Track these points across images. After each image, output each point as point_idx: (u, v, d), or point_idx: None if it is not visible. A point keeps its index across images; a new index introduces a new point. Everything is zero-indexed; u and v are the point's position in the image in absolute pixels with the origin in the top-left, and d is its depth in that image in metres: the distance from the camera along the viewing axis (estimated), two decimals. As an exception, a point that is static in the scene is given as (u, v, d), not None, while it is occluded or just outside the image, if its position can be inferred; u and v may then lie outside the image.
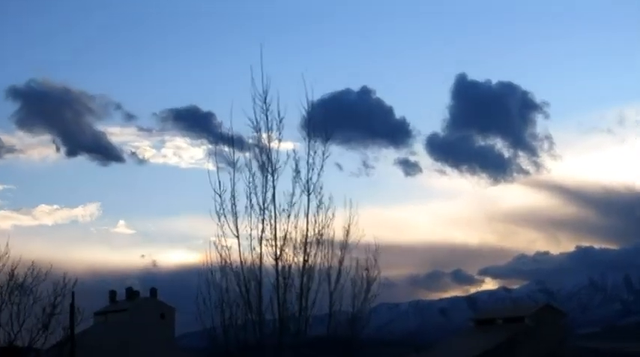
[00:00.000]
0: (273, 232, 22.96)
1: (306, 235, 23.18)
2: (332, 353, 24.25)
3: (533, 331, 64.86)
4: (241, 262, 22.80)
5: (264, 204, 22.96)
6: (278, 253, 22.91)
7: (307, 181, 23.33)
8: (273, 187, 23.12)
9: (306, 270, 23.05)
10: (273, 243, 22.91)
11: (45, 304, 33.52)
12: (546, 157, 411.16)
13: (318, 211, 23.33)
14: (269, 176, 23.06)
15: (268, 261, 22.81)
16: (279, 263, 22.86)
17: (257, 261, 22.86)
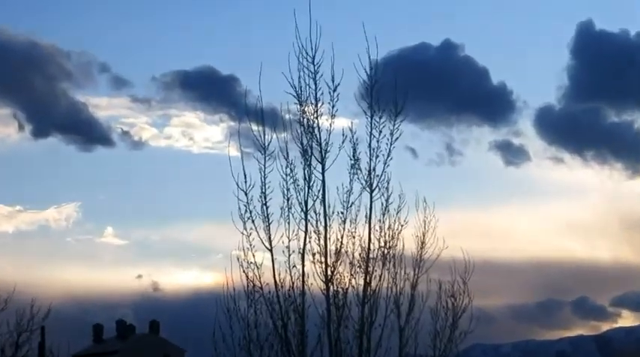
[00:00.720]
0: (322, 244, 21.57)
1: (368, 248, 21.80)
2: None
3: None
4: (276, 285, 21.62)
5: (307, 204, 21.66)
6: (329, 273, 21.56)
7: (369, 173, 21.95)
8: (322, 181, 21.84)
9: (368, 297, 21.65)
10: (322, 259, 21.46)
11: (4, 343, 31.95)
12: None
13: (384, 215, 21.96)
14: (316, 166, 21.80)
15: (315, 284, 21.68)
16: (331, 287, 21.67)
17: (298, 284, 21.61)
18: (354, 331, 21.65)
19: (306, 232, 21.67)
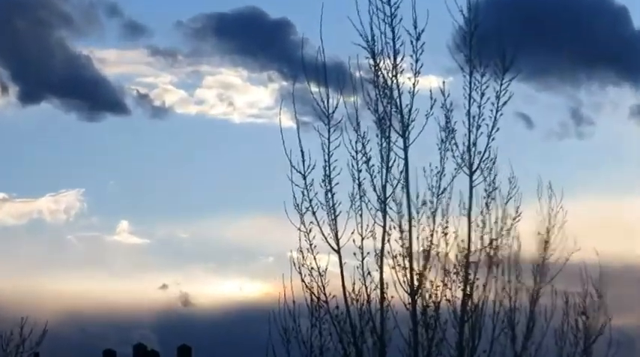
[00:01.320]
0: (406, 245, 16.66)
1: (468, 248, 16.61)
2: None
3: None
4: (346, 298, 16.52)
5: (386, 191, 16.68)
6: (415, 282, 16.45)
7: (468, 149, 16.81)
8: (405, 161, 16.81)
9: (469, 314, 16.60)
10: (406, 264, 16.46)
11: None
12: None
13: (488, 205, 16.77)
14: (396, 140, 16.81)
15: (397, 296, 16.60)
16: (418, 301, 16.60)
17: (376, 297, 16.59)
18: (452, 358, 16.45)
19: (384, 227, 16.65)
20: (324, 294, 16.40)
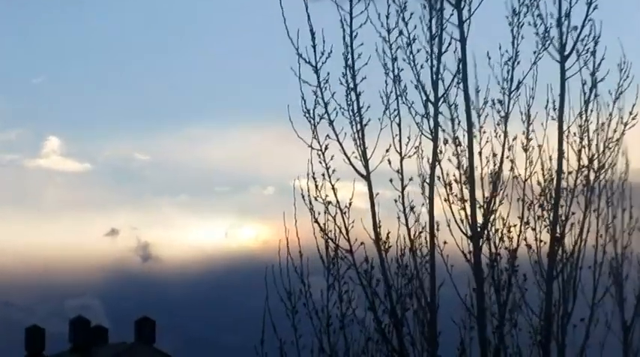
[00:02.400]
0: (465, 165, 11.51)
1: (559, 169, 11.26)
2: None
3: None
4: (379, 247, 11.31)
5: (437, 88, 11.43)
6: (479, 220, 11.40)
7: (558, 22, 11.59)
8: (461, 42, 11.45)
9: (559, 266, 11.42)
10: (466, 194, 11.47)
11: None
12: None
13: (587, 106, 11.58)
14: (450, 16, 11.53)
15: (453, 241, 11.39)
16: (484, 249, 11.37)
17: (423, 243, 11.39)
18: (533, 329, 11.23)
19: (435, 141, 11.31)
20: (347, 240, 11.22)
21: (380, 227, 11.18)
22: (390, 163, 11.30)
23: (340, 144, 11.33)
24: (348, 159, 11.32)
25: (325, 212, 11.27)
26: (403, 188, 11.34)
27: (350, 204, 11.31)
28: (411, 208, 11.36)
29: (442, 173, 11.39)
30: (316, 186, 11.24)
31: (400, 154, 11.30)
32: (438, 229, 11.32)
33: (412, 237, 11.32)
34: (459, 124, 11.26)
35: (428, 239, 11.31)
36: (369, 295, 11.27)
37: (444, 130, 11.27)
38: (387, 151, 11.33)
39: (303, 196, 11.21)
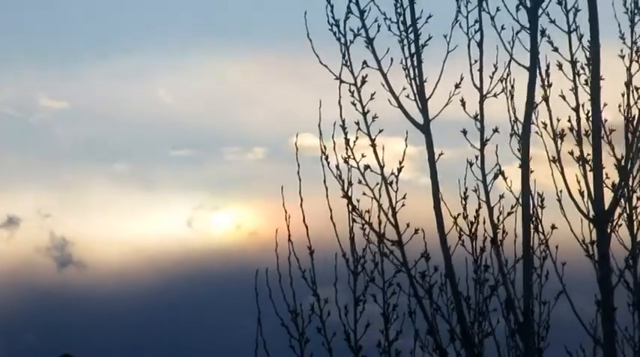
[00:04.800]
0: (588, 111, 6.98)
1: None
2: None
3: None
4: (443, 230, 7.23)
5: None
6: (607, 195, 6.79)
7: None
8: None
9: None
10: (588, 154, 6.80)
11: None
12: None
13: None
14: None
15: (563, 221, 7.53)
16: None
17: (511, 231, 7.32)
18: None
19: (533, 66, 7.12)
20: (395, 226, 7.10)
21: (443, 209, 7.10)
22: (463, 104, 7.18)
23: (384, 75, 7.21)
24: (396, 98, 7.20)
25: (362, 183, 7.18)
26: (483, 144, 7.22)
27: (399, 170, 7.20)
28: (499, 175, 7.24)
29: (551, 119, 7.28)
30: (347, 141, 7.14)
31: (480, 90, 7.17)
32: (542, 205, 7.21)
33: (496, 221, 7.22)
34: (580, 39, 7.11)
35: (521, 224, 7.24)
36: (428, 312, 7.18)
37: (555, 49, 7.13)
38: (458, 85, 7.21)
39: (325, 158, 7.10)
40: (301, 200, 6.86)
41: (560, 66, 7.40)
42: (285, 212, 6.87)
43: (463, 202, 7.25)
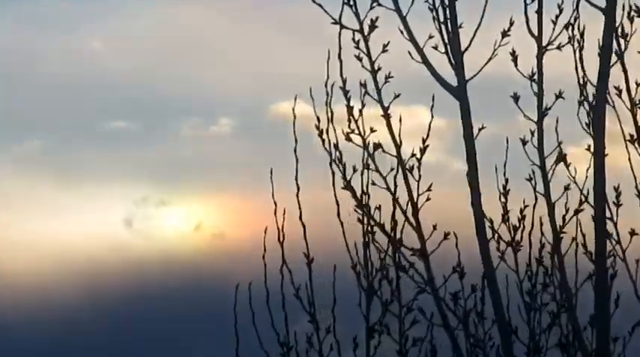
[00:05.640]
0: None
1: None
2: None
3: None
4: (483, 235, 5.11)
5: None
6: None
7: None
8: None
9: None
10: None
11: None
12: None
13: None
14: None
15: None
16: None
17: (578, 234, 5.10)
18: None
19: (612, 6, 5.00)
20: (416, 228, 5.09)
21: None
22: (515, 59, 5.14)
23: (403, 18, 5.17)
24: (420, 50, 5.16)
25: (367, 167, 5.16)
26: (542, 115, 5.18)
27: (423, 151, 5.17)
28: (560, 161, 5.22)
29: (627, 83, 5.25)
30: (350, 110, 5.10)
31: (538, 39, 5.13)
32: (617, 203, 5.20)
33: (559, 228, 5.19)
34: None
35: (580, 227, 5.23)
36: (462, 349, 5.15)
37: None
38: (506, 33, 5.17)
39: (319, 134, 5.09)
40: (297, 189, 4.88)
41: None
42: (275, 205, 4.90)
43: (503, 199, 5.25)
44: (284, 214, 5.04)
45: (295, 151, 5.04)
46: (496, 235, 5.18)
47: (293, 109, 5.08)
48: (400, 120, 5.17)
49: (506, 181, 5.29)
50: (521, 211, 5.26)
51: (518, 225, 5.26)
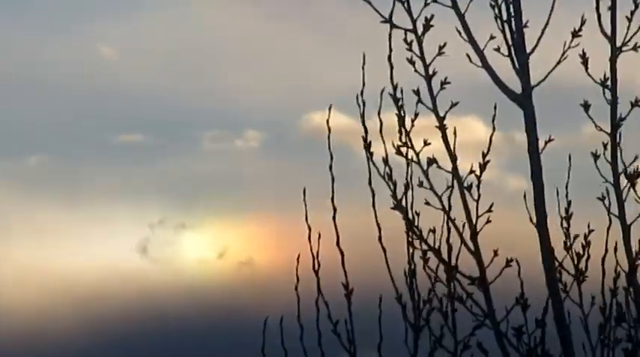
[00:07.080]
0: None
1: None
2: None
3: None
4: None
5: None
6: None
7: None
8: None
9: None
10: None
11: None
12: None
13: None
14: None
15: None
16: None
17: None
18: None
19: None
20: (477, 256, 4.51)
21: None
22: (585, 62, 4.59)
23: (461, 17, 4.63)
24: (480, 53, 4.61)
25: (421, 185, 4.61)
26: (617, 126, 4.59)
27: (483, 168, 4.62)
28: (637, 178, 4.67)
29: None
30: (401, 120, 4.55)
31: (612, 40, 4.56)
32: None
33: (635, 254, 4.64)
34: None
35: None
36: None
37: None
38: (577, 33, 4.61)
39: (366, 147, 4.53)
40: (334, 211, 4.31)
41: None
42: (309, 229, 4.34)
43: (565, 224, 4.69)
44: (319, 239, 4.54)
45: (331, 168, 4.52)
46: (559, 266, 4.64)
47: (327, 121, 4.56)
48: (455, 132, 4.63)
49: (569, 203, 4.73)
50: (586, 236, 4.72)
51: (582, 252, 4.72)
